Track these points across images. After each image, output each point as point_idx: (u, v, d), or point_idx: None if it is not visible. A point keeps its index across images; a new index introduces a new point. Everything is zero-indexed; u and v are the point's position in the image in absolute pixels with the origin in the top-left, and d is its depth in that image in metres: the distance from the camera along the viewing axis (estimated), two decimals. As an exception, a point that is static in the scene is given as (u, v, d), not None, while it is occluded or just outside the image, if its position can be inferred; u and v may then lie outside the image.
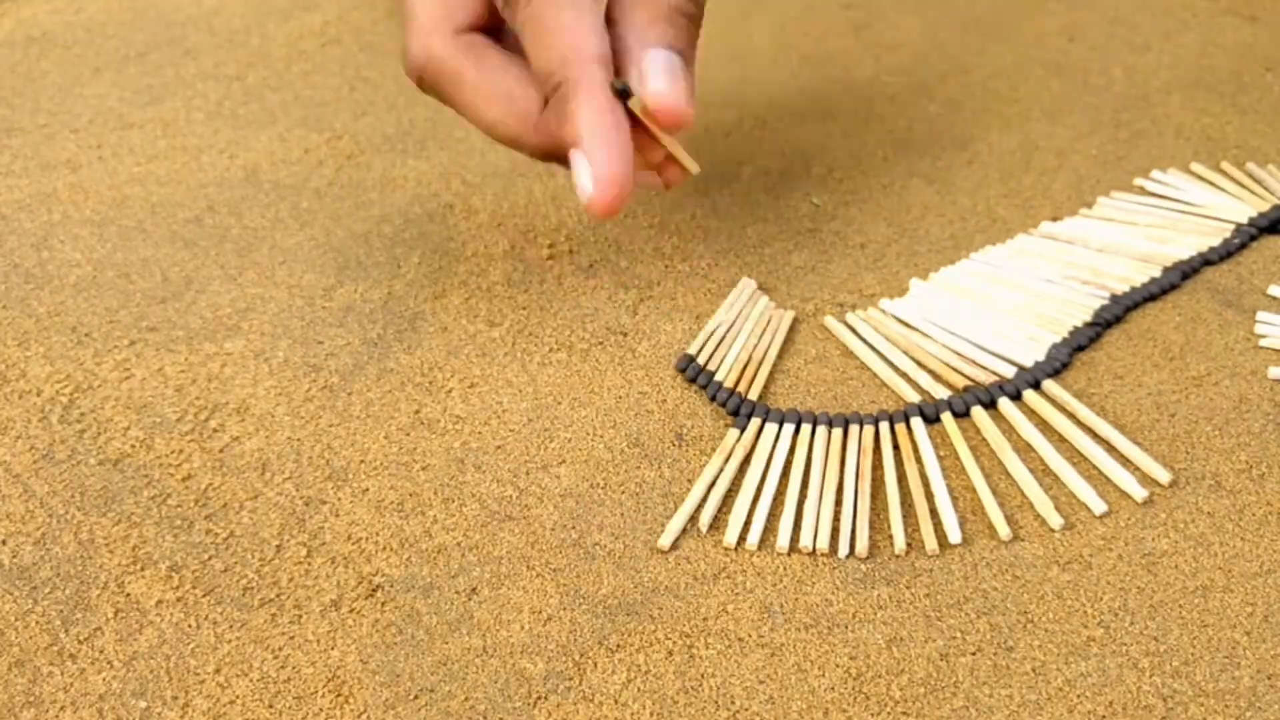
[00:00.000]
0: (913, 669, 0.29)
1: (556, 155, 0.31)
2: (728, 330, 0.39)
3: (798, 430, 0.36)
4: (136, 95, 0.55)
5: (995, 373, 0.38)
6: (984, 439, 0.36)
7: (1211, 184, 0.47)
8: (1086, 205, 0.47)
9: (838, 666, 0.29)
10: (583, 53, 0.29)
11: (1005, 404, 0.37)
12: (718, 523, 0.33)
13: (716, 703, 0.28)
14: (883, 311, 0.41)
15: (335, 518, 0.33)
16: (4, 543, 0.33)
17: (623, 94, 0.30)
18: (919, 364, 0.39)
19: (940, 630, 0.30)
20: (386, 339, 0.40)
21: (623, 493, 0.34)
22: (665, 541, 0.32)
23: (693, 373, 0.38)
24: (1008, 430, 0.36)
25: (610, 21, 0.31)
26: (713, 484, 0.34)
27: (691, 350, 0.38)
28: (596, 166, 0.29)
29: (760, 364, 0.38)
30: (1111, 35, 0.58)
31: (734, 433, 0.36)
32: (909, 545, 0.32)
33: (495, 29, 0.33)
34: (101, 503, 0.34)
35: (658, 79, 0.30)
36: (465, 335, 0.40)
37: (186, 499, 0.34)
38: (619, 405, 0.37)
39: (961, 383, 0.38)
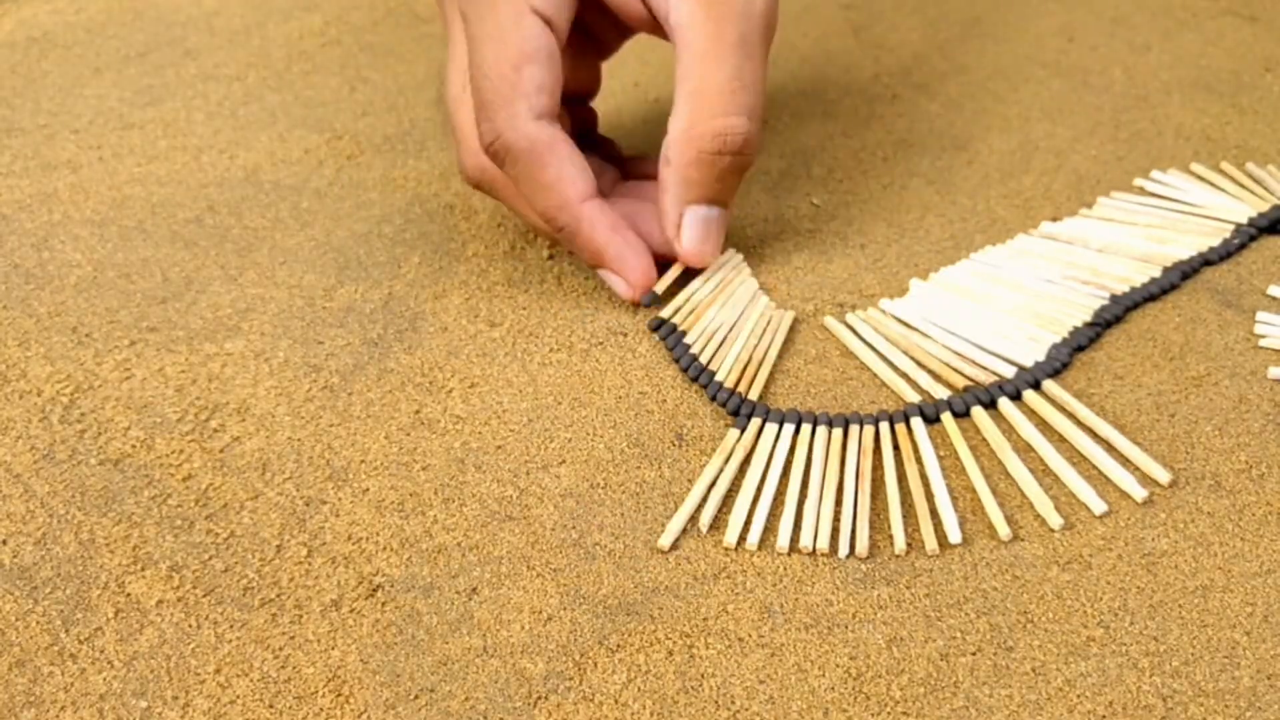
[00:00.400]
0: (913, 669, 0.29)
1: None
2: (729, 330, 0.39)
3: (798, 430, 0.36)
4: (137, 95, 0.55)
5: (995, 373, 0.38)
6: (984, 439, 0.36)
7: (1211, 184, 0.47)
8: (1086, 205, 0.47)
9: (838, 666, 0.29)
10: (572, 199, 0.34)
11: (1005, 404, 0.37)
12: (718, 523, 0.33)
13: (716, 703, 0.28)
14: (883, 311, 0.41)
15: (336, 518, 0.33)
16: (4, 543, 0.33)
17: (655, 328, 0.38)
18: (919, 364, 0.39)
19: (940, 630, 0.30)
20: (387, 339, 0.40)
21: (623, 493, 0.34)
22: (665, 541, 0.32)
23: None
24: (1008, 430, 0.36)
25: (665, 161, 0.35)
26: (713, 484, 0.34)
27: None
28: (628, 276, 0.37)
29: (760, 364, 0.39)
30: (1111, 35, 0.58)
31: (734, 433, 0.36)
32: (909, 545, 0.32)
33: None
34: (102, 503, 0.34)
35: (693, 239, 0.37)
36: (466, 335, 0.40)
37: (187, 499, 0.34)
38: (619, 405, 0.37)
39: (961, 383, 0.38)
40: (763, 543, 0.33)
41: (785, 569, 0.32)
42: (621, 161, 0.41)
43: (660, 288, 0.38)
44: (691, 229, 0.36)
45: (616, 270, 0.36)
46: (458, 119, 0.36)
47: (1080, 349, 0.39)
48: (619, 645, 0.30)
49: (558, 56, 0.34)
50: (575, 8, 0.34)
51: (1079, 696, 0.28)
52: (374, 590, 0.31)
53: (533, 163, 0.33)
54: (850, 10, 0.61)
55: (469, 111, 0.35)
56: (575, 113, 0.40)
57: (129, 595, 0.31)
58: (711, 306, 0.40)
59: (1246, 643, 0.29)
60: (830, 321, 0.40)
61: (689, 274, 0.40)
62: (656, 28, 0.35)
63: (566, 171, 0.34)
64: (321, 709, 0.28)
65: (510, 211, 0.42)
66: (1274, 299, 0.41)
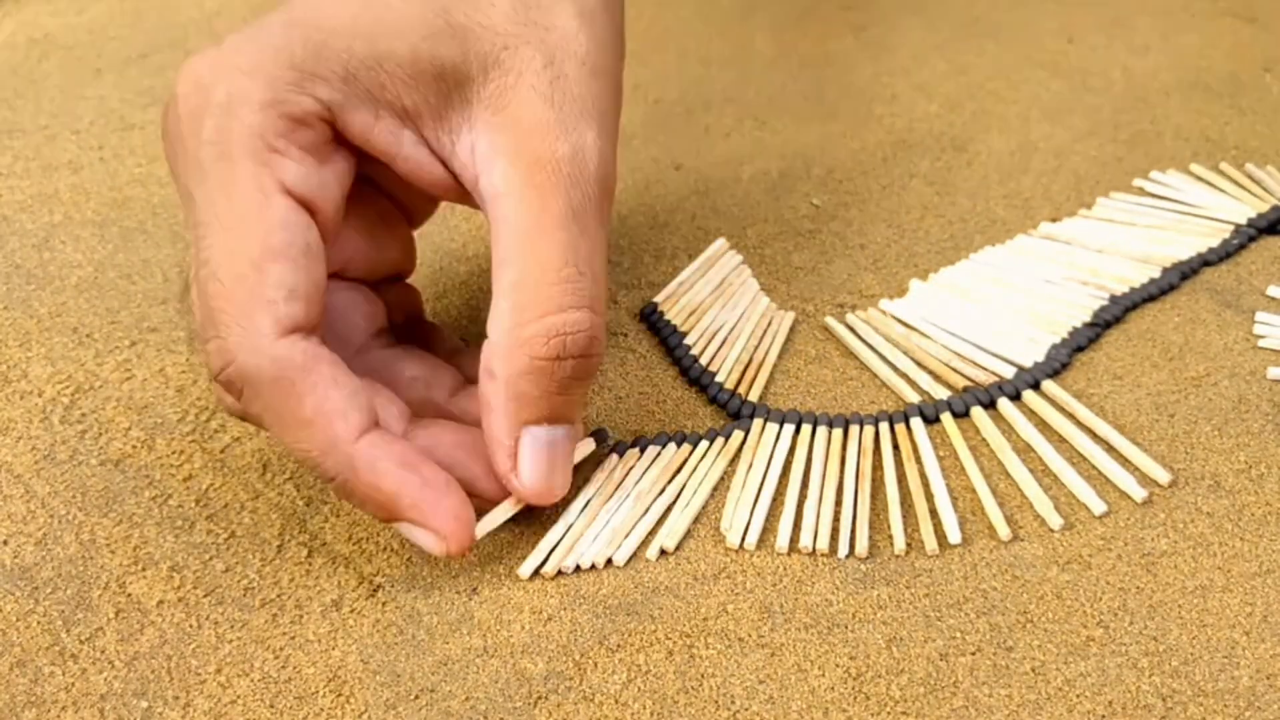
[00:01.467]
0: (913, 669, 0.29)
1: None
2: (730, 331, 0.40)
3: (798, 430, 0.36)
4: (138, 96, 0.55)
5: (995, 373, 0.38)
6: (984, 439, 0.36)
7: (1210, 185, 0.47)
8: (1086, 206, 0.47)
9: (838, 666, 0.29)
10: (341, 438, 0.25)
11: (1005, 404, 0.37)
12: (719, 523, 0.33)
13: (716, 703, 0.28)
14: (883, 312, 0.41)
15: (336, 518, 0.33)
16: (5, 543, 0.33)
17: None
18: (919, 364, 0.39)
19: (940, 630, 0.30)
20: (387, 340, 0.40)
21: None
22: (669, 542, 0.32)
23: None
24: (1007, 430, 0.36)
25: (488, 373, 0.27)
26: (716, 485, 0.34)
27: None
28: (433, 525, 0.27)
29: (760, 365, 0.39)
30: (1110, 36, 0.58)
31: (736, 433, 0.36)
32: (909, 545, 0.32)
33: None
34: (103, 503, 0.34)
35: (535, 471, 0.27)
36: (466, 336, 0.40)
37: (187, 499, 0.34)
38: (619, 405, 0.37)
39: (961, 383, 0.38)
40: (762, 543, 0.33)
41: (785, 569, 0.32)
42: (462, 353, 0.32)
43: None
44: (532, 458, 0.27)
45: (417, 521, 0.26)
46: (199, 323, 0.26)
47: (1080, 349, 0.39)
48: (619, 645, 0.30)
49: (319, 249, 0.25)
50: (348, 180, 0.26)
51: (1079, 696, 0.28)
52: (374, 590, 0.31)
53: (280, 394, 0.24)
54: (850, 10, 0.62)
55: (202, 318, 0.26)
56: (391, 297, 0.32)
57: (130, 595, 0.31)
58: (712, 308, 0.40)
59: (1246, 643, 0.29)
60: (830, 322, 0.40)
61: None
62: (465, 196, 0.27)
63: (330, 403, 0.25)
64: (322, 709, 0.28)
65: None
66: (1273, 299, 0.41)
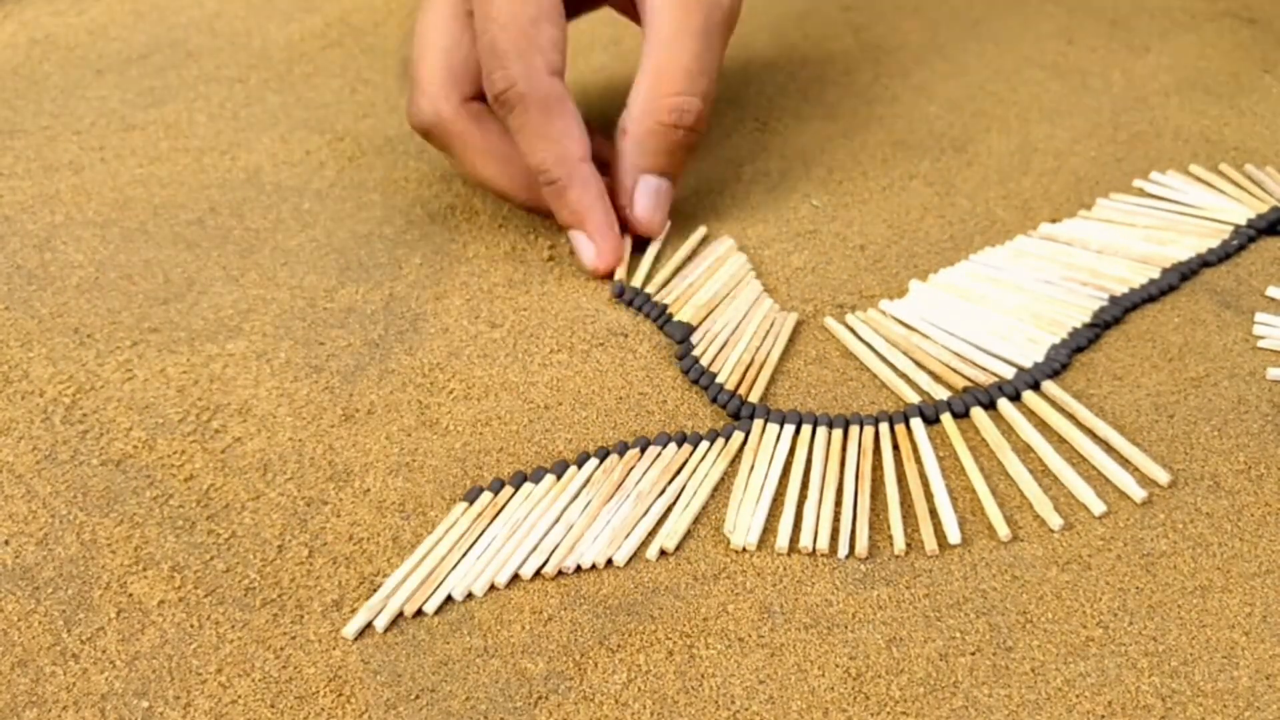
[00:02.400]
0: (912, 669, 0.29)
1: (539, 210, 0.40)
2: (732, 332, 0.40)
3: (798, 431, 0.36)
4: (139, 97, 0.55)
5: (994, 374, 0.38)
6: (983, 439, 0.36)
7: (1210, 186, 0.47)
8: (1085, 207, 0.47)
9: (838, 666, 0.29)
10: (573, 155, 0.36)
11: (1004, 405, 0.37)
12: (719, 523, 0.33)
13: (716, 703, 0.28)
14: (882, 313, 0.41)
15: (337, 518, 0.33)
16: (6, 543, 0.33)
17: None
18: (919, 365, 0.39)
19: (940, 630, 0.30)
20: (388, 340, 0.40)
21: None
22: (669, 543, 0.32)
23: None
24: (1007, 431, 0.36)
25: (622, 131, 0.38)
26: (716, 486, 0.34)
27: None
28: (599, 245, 0.38)
29: (762, 366, 0.39)
30: (1110, 37, 0.58)
31: (737, 434, 0.36)
32: (909, 545, 0.32)
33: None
34: (104, 503, 0.34)
35: (645, 207, 0.39)
36: (466, 336, 0.40)
37: (188, 499, 0.34)
38: (619, 406, 0.37)
39: (961, 384, 0.38)
40: (762, 543, 0.33)
41: (785, 569, 0.32)
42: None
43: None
44: (643, 198, 0.38)
45: (594, 236, 0.38)
46: (422, 65, 0.38)
47: (1079, 350, 0.39)
48: (619, 645, 0.30)
49: (564, 18, 0.36)
50: None
51: (1078, 696, 0.28)
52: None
53: (543, 113, 0.35)
54: (850, 11, 0.62)
55: (435, 58, 0.37)
56: None
57: (131, 595, 0.31)
58: (715, 309, 0.40)
59: (1245, 643, 0.29)
60: (830, 322, 0.40)
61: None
62: (629, 8, 0.39)
63: (572, 127, 0.36)
64: (323, 709, 0.28)
65: (454, 164, 0.41)
66: (1273, 300, 0.41)
